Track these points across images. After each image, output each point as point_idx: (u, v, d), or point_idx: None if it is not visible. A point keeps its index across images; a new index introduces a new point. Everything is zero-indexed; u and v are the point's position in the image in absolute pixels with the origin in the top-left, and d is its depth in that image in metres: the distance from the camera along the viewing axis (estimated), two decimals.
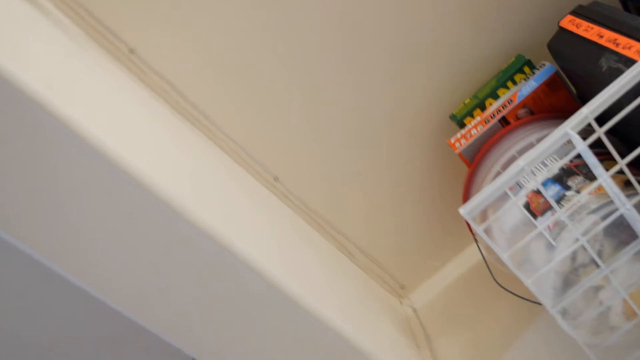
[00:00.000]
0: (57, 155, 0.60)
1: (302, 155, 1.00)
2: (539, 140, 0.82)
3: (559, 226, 0.70)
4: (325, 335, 0.77)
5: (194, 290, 0.70)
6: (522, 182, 0.78)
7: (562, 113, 0.90)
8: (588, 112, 0.59)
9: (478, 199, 0.60)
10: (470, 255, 1.10)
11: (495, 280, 0.85)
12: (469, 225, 0.91)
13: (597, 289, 0.71)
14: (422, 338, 1.06)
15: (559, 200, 0.71)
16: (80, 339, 0.94)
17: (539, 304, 0.84)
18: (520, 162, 0.61)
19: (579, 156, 0.75)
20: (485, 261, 0.86)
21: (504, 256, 0.65)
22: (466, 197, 0.89)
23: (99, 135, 0.59)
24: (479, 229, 0.63)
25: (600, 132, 0.61)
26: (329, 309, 0.78)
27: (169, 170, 0.69)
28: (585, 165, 0.74)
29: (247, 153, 0.96)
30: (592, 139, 0.60)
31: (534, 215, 0.74)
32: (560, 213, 0.63)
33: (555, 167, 0.62)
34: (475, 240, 0.88)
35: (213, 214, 0.69)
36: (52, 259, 0.65)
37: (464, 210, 0.61)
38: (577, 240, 0.66)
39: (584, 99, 0.88)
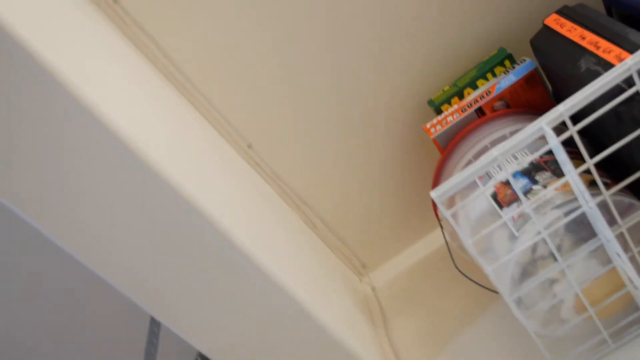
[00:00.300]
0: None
1: (278, 125, 1.00)
2: (512, 133, 0.84)
3: (523, 218, 0.72)
4: (283, 301, 0.78)
5: (155, 243, 0.70)
6: (492, 172, 0.80)
7: (536, 110, 0.92)
8: (564, 109, 0.61)
9: (450, 184, 0.62)
10: (433, 240, 1.12)
11: (455, 266, 0.87)
12: (435, 210, 0.92)
13: (553, 282, 0.74)
14: (379, 317, 1.08)
15: (526, 193, 0.73)
16: (40, 290, 0.94)
17: (496, 292, 0.86)
18: (494, 152, 0.62)
19: (549, 152, 0.78)
20: (448, 247, 0.88)
21: (468, 242, 0.66)
22: (436, 182, 0.91)
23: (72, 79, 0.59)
24: (446, 214, 0.64)
25: (573, 130, 0.62)
26: (289, 276, 0.79)
27: (139, 118, 0.69)
28: (554, 162, 0.76)
29: (223, 117, 0.96)
30: (565, 136, 0.61)
31: (500, 206, 0.75)
32: (526, 205, 0.65)
33: (526, 160, 0.63)
34: (440, 225, 0.90)
35: (181, 169, 0.69)
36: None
37: (435, 194, 0.62)
38: (539, 233, 0.68)
39: (559, 99, 0.90)
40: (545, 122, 0.61)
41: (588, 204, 0.65)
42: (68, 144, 0.63)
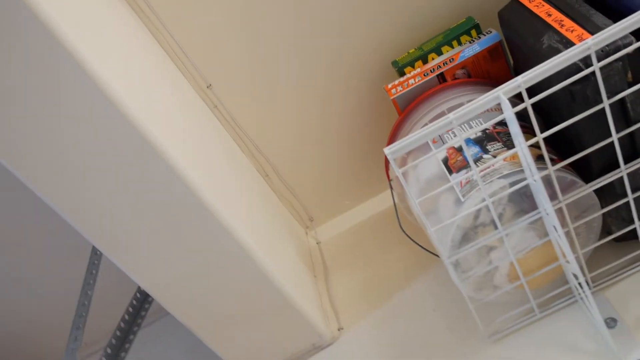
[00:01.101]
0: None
1: (239, 69, 0.99)
2: (470, 102, 0.85)
3: (470, 185, 0.73)
4: (227, 243, 0.78)
5: (102, 171, 0.69)
6: (446, 138, 0.81)
7: (495, 82, 0.94)
8: (522, 81, 0.62)
9: (404, 142, 0.62)
10: (381, 202, 1.14)
11: (401, 227, 0.89)
12: (387, 170, 0.94)
13: (490, 249, 0.76)
14: (321, 269, 1.10)
15: (476, 161, 0.75)
16: None
17: (437, 255, 0.89)
18: (451, 116, 0.63)
19: (502, 124, 0.80)
20: (395, 208, 0.89)
21: (416, 202, 0.67)
22: (391, 142, 0.92)
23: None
24: (398, 171, 0.65)
25: (528, 103, 0.64)
26: (236, 219, 0.79)
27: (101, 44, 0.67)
28: (506, 134, 0.78)
29: (186, 54, 0.94)
30: (520, 107, 0.63)
31: (450, 171, 0.77)
32: (475, 172, 0.66)
33: (480, 128, 0.65)
34: (390, 186, 0.91)
35: (135, 100, 0.68)
36: None
37: (388, 150, 0.63)
38: (483, 200, 0.70)
39: (519, 74, 0.92)
40: (502, 92, 0.62)
41: (533, 176, 0.67)
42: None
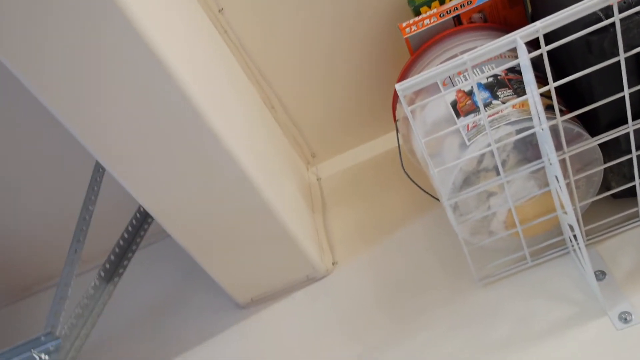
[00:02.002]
0: None
1: None
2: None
3: (477, 129, 0.73)
4: (231, 170, 0.79)
5: (111, 85, 0.69)
6: (456, 81, 0.81)
7: (511, 29, 0.92)
8: (541, 26, 0.61)
9: (416, 79, 0.62)
10: (385, 143, 1.14)
11: (403, 167, 0.89)
12: (394, 109, 0.93)
13: (490, 194, 0.77)
14: (319, 205, 1.11)
15: (486, 106, 0.75)
16: None
17: (436, 198, 0.90)
18: (465, 56, 0.62)
19: (514, 71, 0.79)
20: (399, 148, 0.89)
21: (421, 141, 0.68)
22: (399, 82, 0.91)
23: None
24: (406, 109, 0.65)
25: (544, 49, 0.63)
26: (240, 147, 0.79)
27: None
28: (518, 81, 0.77)
29: None
30: (536, 53, 0.62)
31: (458, 114, 0.77)
32: (483, 115, 0.66)
33: (494, 71, 0.64)
34: (396, 126, 0.91)
35: (149, 22, 0.67)
36: None
37: (400, 86, 0.63)
38: (488, 145, 0.70)
39: (535, 19, 0.90)
40: (519, 36, 0.62)
41: (541, 125, 0.67)
42: None
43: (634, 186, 0.77)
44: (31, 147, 1.06)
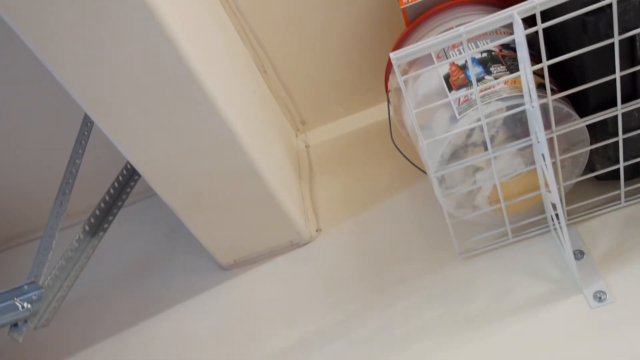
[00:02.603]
0: None
1: None
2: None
3: (468, 103, 0.74)
4: (219, 128, 0.78)
5: (103, 37, 0.68)
6: (451, 54, 0.81)
7: (504, 5, 0.92)
8: (538, 2, 0.61)
9: (411, 49, 0.62)
10: (375, 113, 1.14)
11: (392, 138, 0.90)
12: (386, 80, 0.93)
13: (477, 169, 0.78)
14: (307, 172, 1.12)
15: (478, 80, 0.75)
16: None
17: (423, 171, 0.91)
18: (461, 29, 0.63)
19: (509, 48, 0.79)
20: (389, 119, 0.90)
21: (412, 112, 0.68)
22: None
23: None
24: (400, 78, 0.65)
25: (540, 26, 0.63)
26: (230, 106, 0.79)
27: None
28: (512, 58, 0.78)
29: None
30: (531, 30, 0.62)
31: (450, 88, 0.77)
32: (475, 90, 0.67)
33: (488, 46, 0.64)
34: (387, 97, 0.91)
35: None
36: None
37: (395, 55, 0.63)
38: (478, 119, 0.70)
39: None
40: (517, 11, 0.62)
41: (532, 102, 0.67)
42: None
43: (618, 169, 0.78)
44: (20, 97, 1.05)
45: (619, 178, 0.79)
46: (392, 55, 0.63)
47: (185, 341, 0.97)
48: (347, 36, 1.05)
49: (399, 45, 0.90)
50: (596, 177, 0.83)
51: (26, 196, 1.22)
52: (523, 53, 0.64)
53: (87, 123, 0.87)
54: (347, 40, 1.06)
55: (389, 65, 0.91)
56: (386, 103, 1.02)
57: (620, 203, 0.82)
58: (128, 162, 0.97)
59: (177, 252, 1.11)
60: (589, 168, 0.82)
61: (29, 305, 0.67)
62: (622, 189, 0.80)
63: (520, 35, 0.62)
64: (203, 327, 0.97)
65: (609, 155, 0.80)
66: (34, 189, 1.20)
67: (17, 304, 0.66)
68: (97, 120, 0.75)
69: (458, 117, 0.74)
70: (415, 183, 0.99)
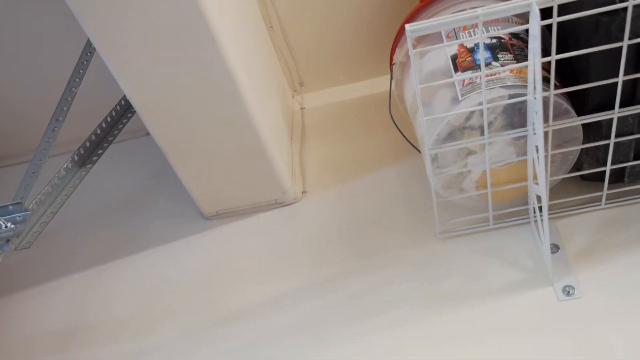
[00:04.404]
0: None
1: None
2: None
3: (472, 86, 0.75)
4: (221, 70, 0.77)
5: None
6: (461, 36, 0.81)
7: None
8: None
9: (427, 24, 0.62)
10: (374, 85, 1.15)
11: (390, 112, 0.90)
12: (392, 53, 0.93)
13: (470, 152, 0.79)
14: (299, 134, 1.12)
15: (485, 65, 0.76)
16: None
17: (416, 148, 0.92)
18: (479, 11, 0.63)
19: (518, 37, 0.80)
20: (390, 92, 0.90)
21: (417, 87, 0.69)
22: (403, 27, 0.91)
23: None
24: (411, 51, 0.65)
25: (555, 20, 0.64)
26: (234, 51, 0.78)
27: None
28: (519, 47, 0.78)
29: None
30: (547, 22, 0.63)
31: (456, 69, 0.78)
32: (482, 74, 0.67)
33: (502, 32, 0.65)
34: (391, 70, 0.92)
35: None
36: None
37: (410, 27, 0.63)
38: (480, 104, 0.71)
39: None
40: (536, 1, 0.62)
41: (536, 94, 0.69)
42: None
43: (604, 171, 0.80)
44: (25, 15, 1.02)
45: (603, 180, 0.81)
46: (407, 27, 0.63)
47: (157, 284, 0.97)
48: (358, 5, 1.05)
49: (410, 19, 0.90)
50: (581, 176, 0.85)
51: (17, 117, 1.20)
52: (535, 44, 0.65)
53: (88, 52, 0.85)
54: (357, 9, 1.05)
55: (397, 38, 0.91)
56: (386, 76, 1.02)
57: (600, 204, 0.84)
58: (123, 98, 0.96)
59: (160, 196, 1.11)
60: (576, 167, 0.84)
61: (13, 226, 0.67)
62: (605, 191, 0.83)
63: (535, 27, 0.63)
64: (177, 273, 0.98)
65: (598, 156, 0.82)
66: (29, 112, 1.17)
67: (1, 222, 0.66)
68: (100, 50, 0.74)
69: (460, 98, 0.74)
70: (405, 159, 1.00)
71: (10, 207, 0.69)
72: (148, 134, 1.21)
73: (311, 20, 1.07)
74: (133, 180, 1.15)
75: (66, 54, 0.95)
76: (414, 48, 0.87)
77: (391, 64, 0.94)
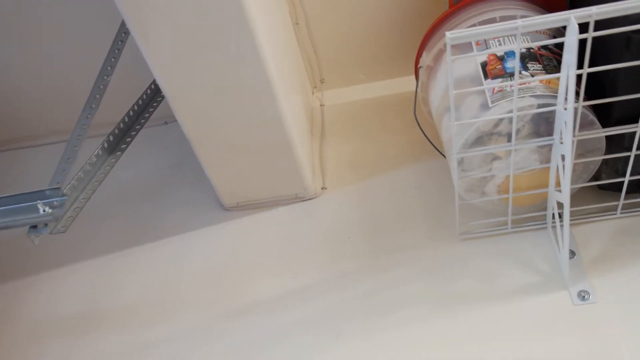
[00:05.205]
0: None
1: None
2: (523, 17, 0.86)
3: (502, 94, 0.77)
4: (254, 62, 0.78)
5: None
6: (490, 44, 0.83)
7: (546, 7, 0.94)
8: (595, 12, 0.64)
9: (469, 32, 0.64)
10: (394, 86, 1.17)
11: (415, 115, 0.92)
12: (418, 55, 0.95)
13: (495, 158, 0.81)
14: (318, 130, 1.13)
15: (514, 74, 0.77)
16: None
17: (438, 150, 0.94)
18: (519, 22, 0.65)
19: (545, 47, 0.82)
20: (415, 95, 0.92)
21: (452, 93, 0.70)
22: (432, 31, 0.92)
23: None
24: (449, 58, 0.67)
25: (590, 35, 0.66)
26: (268, 46, 0.78)
27: None
28: (548, 58, 0.80)
29: None
30: (584, 35, 0.65)
31: (486, 76, 0.79)
32: (516, 82, 0.69)
33: (544, 42, 0.67)
34: (417, 73, 0.93)
35: None
36: None
37: (451, 35, 0.65)
38: (510, 111, 0.73)
39: (574, 5, 0.92)
40: (574, 15, 0.64)
41: (567, 105, 0.70)
42: None
43: (621, 182, 0.83)
44: None
45: (620, 190, 0.84)
46: (448, 34, 0.65)
47: (172, 273, 0.99)
48: (383, 6, 1.06)
49: (437, 24, 0.92)
50: (599, 185, 0.87)
51: (52, 100, 1.20)
52: (571, 57, 0.67)
53: (119, 41, 0.86)
54: (383, 9, 1.07)
55: (425, 41, 0.93)
56: (406, 78, 1.04)
57: (615, 214, 0.87)
58: (149, 87, 0.97)
59: (178, 186, 1.12)
60: (595, 176, 0.86)
61: (50, 210, 0.68)
62: (621, 201, 0.85)
63: (572, 40, 0.64)
64: (193, 263, 0.99)
65: (617, 167, 0.84)
66: (61, 94, 1.17)
67: (40, 207, 0.67)
68: (134, 33, 0.73)
69: (491, 105, 0.76)
70: (423, 160, 1.02)
71: (48, 191, 0.70)
72: (166, 122, 1.24)
73: (336, 19, 1.08)
74: (150, 170, 1.16)
75: (99, 34, 0.94)
76: (441, 54, 0.89)
77: (416, 67, 0.95)
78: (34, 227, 0.68)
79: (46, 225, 0.68)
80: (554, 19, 0.65)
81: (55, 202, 0.69)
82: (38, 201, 0.67)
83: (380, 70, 1.16)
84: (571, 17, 0.64)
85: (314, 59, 1.14)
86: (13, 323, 0.98)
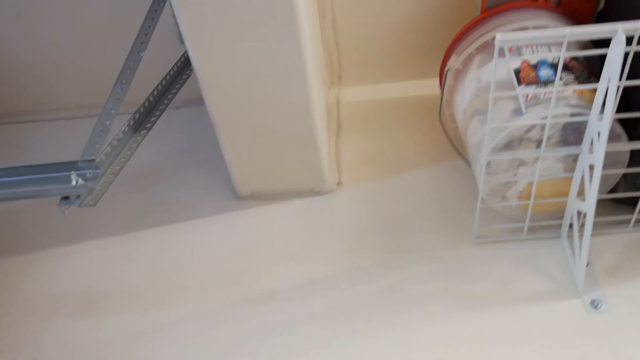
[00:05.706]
0: None
1: None
2: (554, 26, 0.88)
3: (535, 101, 0.78)
4: (292, 50, 0.78)
5: None
6: (523, 51, 0.84)
7: (573, 21, 0.96)
8: None
9: (520, 36, 0.65)
10: (414, 88, 1.17)
11: (440, 118, 0.93)
12: (445, 59, 0.96)
13: (521, 163, 0.82)
14: (334, 126, 1.13)
15: (548, 83, 0.79)
16: None
17: (460, 154, 0.94)
18: (567, 30, 0.66)
19: (576, 59, 0.83)
20: (441, 97, 0.93)
21: (492, 95, 0.71)
22: (462, 35, 0.94)
23: None
24: (495, 61, 0.68)
25: (633, 48, 0.68)
26: (305, 36, 0.79)
27: None
28: (579, 70, 0.82)
29: None
30: (630, 48, 0.66)
31: (519, 82, 0.81)
32: (555, 89, 0.71)
33: (589, 53, 0.68)
34: (444, 76, 0.94)
35: None
36: None
37: (501, 37, 0.65)
38: (544, 118, 0.74)
39: (601, 19, 0.93)
40: (622, 28, 0.66)
41: (598, 115, 0.72)
42: None
43: (637, 197, 0.85)
44: None
45: (634, 204, 0.86)
46: (498, 36, 0.66)
47: (181, 258, 0.97)
48: (410, 6, 1.07)
49: (469, 29, 0.93)
50: (614, 199, 0.89)
51: (84, 72, 1.18)
52: (614, 69, 0.68)
53: (152, 17, 0.84)
54: (410, 10, 1.07)
55: (453, 44, 0.94)
56: (425, 80, 1.05)
57: (628, 227, 0.89)
58: (172, 68, 0.95)
59: (192, 172, 1.11)
60: (611, 189, 0.88)
61: (83, 182, 0.67)
62: (635, 216, 0.87)
63: (618, 52, 0.66)
64: (203, 249, 0.98)
65: (636, 182, 0.86)
66: (92, 67, 1.16)
67: (73, 178, 0.66)
68: (176, 4, 0.72)
69: (524, 111, 0.77)
70: (441, 162, 1.03)
71: (80, 163, 0.68)
72: (178, 107, 1.22)
73: (362, 16, 1.09)
74: (163, 154, 1.14)
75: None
76: (472, 57, 0.90)
77: (442, 69, 0.96)
78: (66, 198, 0.67)
79: (78, 196, 0.66)
80: (602, 30, 0.66)
81: (88, 174, 0.68)
82: (72, 172, 0.66)
83: (400, 71, 1.16)
84: (619, 29, 0.66)
85: (335, 54, 1.14)
86: (12, 299, 0.96)
